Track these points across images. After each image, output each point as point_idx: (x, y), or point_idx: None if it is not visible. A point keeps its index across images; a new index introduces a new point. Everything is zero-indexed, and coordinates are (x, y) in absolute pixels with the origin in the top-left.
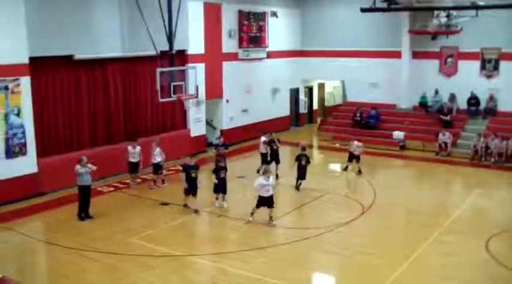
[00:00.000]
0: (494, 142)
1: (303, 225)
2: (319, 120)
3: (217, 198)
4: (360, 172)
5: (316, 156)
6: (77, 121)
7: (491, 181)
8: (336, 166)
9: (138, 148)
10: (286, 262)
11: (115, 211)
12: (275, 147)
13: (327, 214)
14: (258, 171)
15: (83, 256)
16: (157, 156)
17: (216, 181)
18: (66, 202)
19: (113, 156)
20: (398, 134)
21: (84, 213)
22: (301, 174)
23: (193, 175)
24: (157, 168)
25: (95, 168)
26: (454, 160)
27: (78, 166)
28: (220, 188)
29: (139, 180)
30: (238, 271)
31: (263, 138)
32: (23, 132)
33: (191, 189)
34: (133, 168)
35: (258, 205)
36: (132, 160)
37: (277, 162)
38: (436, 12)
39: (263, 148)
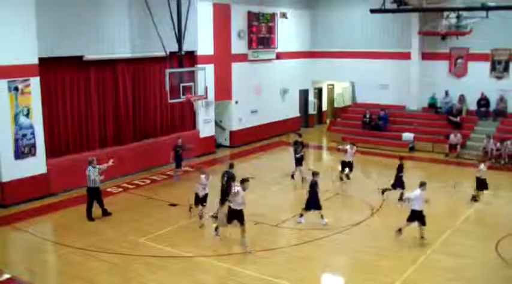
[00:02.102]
0: (505, 144)
1: (312, 226)
2: (328, 121)
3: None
4: (348, 177)
5: (325, 157)
6: (86, 122)
7: (502, 183)
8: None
9: (211, 178)
10: (296, 262)
11: (124, 212)
12: (298, 149)
13: (337, 215)
14: (341, 178)
15: (93, 257)
16: (205, 187)
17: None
18: (75, 203)
19: (122, 156)
20: (407, 135)
21: (102, 211)
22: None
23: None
24: (202, 199)
25: (106, 166)
26: (463, 162)
27: (90, 168)
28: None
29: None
30: (247, 271)
31: (347, 146)
32: (32, 133)
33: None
34: (201, 200)
35: None
36: (201, 192)
37: (301, 164)
38: (445, 13)
39: (349, 157)
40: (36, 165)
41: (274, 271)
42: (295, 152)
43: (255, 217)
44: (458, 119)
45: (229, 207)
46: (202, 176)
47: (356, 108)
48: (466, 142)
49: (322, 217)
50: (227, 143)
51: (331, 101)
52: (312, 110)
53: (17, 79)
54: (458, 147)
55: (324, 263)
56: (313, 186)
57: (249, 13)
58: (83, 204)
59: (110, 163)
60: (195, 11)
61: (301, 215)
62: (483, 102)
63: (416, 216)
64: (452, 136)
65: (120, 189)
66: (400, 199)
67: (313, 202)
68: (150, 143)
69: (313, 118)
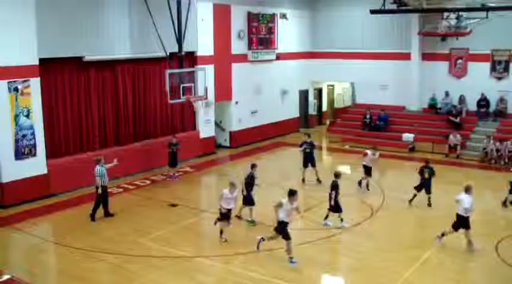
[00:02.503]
0: (505, 144)
1: (313, 227)
2: (328, 121)
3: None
4: (363, 184)
5: (325, 157)
6: (86, 123)
7: (502, 183)
8: (346, 168)
9: (236, 192)
10: (297, 263)
11: (125, 212)
12: (308, 150)
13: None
14: (359, 183)
15: (93, 257)
16: (231, 201)
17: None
18: (76, 203)
19: (122, 157)
20: (407, 136)
21: (104, 212)
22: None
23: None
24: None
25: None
26: (463, 163)
27: (98, 167)
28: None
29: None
30: (248, 272)
31: (369, 152)
32: (33, 134)
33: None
34: (226, 215)
35: None
36: (226, 206)
37: (314, 165)
38: (445, 14)
39: (369, 162)
40: (37, 165)
41: (275, 271)
42: (305, 153)
43: (255, 217)
44: (458, 120)
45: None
46: (225, 190)
47: (356, 109)
48: (466, 143)
49: (341, 220)
50: (227, 144)
51: (331, 102)
52: (312, 111)
53: (17, 80)
54: (458, 147)
55: (325, 264)
56: (335, 188)
57: (249, 13)
58: (83, 204)
59: (115, 162)
60: (195, 11)
61: (326, 216)
62: (483, 102)
63: (462, 221)
64: (452, 136)
65: (120, 190)
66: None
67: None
68: (150, 144)
69: (313, 119)
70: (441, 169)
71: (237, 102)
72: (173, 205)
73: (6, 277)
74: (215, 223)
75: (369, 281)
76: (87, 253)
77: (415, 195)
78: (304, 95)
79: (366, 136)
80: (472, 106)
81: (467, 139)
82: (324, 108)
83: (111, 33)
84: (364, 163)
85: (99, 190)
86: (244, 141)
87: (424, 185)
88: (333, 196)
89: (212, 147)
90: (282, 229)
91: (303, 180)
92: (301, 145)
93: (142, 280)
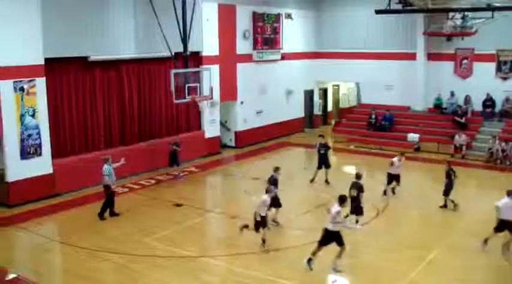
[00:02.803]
0: (511, 144)
1: (317, 227)
2: (333, 121)
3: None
4: (393, 192)
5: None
6: (91, 122)
7: (507, 183)
8: (351, 169)
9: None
10: (302, 263)
11: (130, 212)
12: (322, 151)
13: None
14: (384, 193)
15: (98, 257)
16: (266, 208)
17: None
18: (81, 203)
19: (127, 157)
20: (413, 136)
21: (110, 212)
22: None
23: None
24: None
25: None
26: (469, 163)
27: (106, 166)
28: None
29: None
30: (251, 272)
31: (395, 159)
32: (38, 133)
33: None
34: (261, 222)
35: None
36: (263, 213)
37: (328, 166)
38: (451, 14)
39: (397, 169)
40: (42, 165)
41: (279, 271)
42: (319, 155)
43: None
44: (463, 120)
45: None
46: (265, 196)
47: (361, 109)
48: (472, 143)
49: (357, 221)
50: (232, 144)
51: (336, 102)
52: (317, 111)
53: (22, 79)
54: (464, 147)
55: (329, 264)
56: (361, 189)
57: (254, 13)
58: (88, 203)
59: (122, 161)
60: (200, 11)
61: (357, 221)
62: (489, 102)
63: (506, 226)
64: (457, 137)
65: (125, 189)
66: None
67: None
68: (155, 143)
69: (318, 119)
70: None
71: (242, 102)
72: (178, 205)
73: (12, 276)
74: (241, 230)
75: (374, 282)
76: (92, 253)
77: (446, 201)
78: (309, 95)
79: (371, 136)
80: (477, 106)
81: (472, 140)
82: (329, 108)
83: (116, 33)
84: (390, 171)
85: (113, 187)
86: (249, 141)
87: (448, 188)
88: (361, 198)
89: (217, 147)
90: (337, 237)
91: (312, 180)
92: (316, 147)
93: (147, 279)
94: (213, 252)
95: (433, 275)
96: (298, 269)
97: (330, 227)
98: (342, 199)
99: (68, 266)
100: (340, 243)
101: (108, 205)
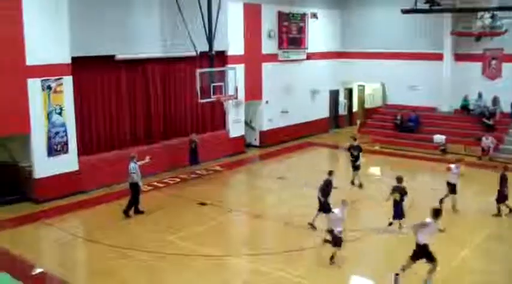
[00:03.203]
0: None
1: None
2: (358, 122)
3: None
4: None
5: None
6: (117, 121)
7: None
8: (375, 169)
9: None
10: (324, 264)
11: (154, 210)
12: (355, 153)
13: (366, 217)
14: (440, 201)
15: (122, 254)
16: (341, 222)
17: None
18: (106, 200)
19: (152, 155)
20: (439, 137)
21: (135, 209)
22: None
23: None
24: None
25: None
26: (496, 165)
27: (133, 164)
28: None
29: None
30: (275, 272)
31: (453, 166)
32: (65, 131)
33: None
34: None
35: None
36: (339, 228)
37: (355, 169)
38: (480, 13)
39: (453, 177)
40: (68, 162)
41: (303, 272)
42: (352, 156)
43: (284, 217)
44: (491, 122)
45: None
46: (337, 210)
47: (387, 110)
48: (500, 145)
49: (400, 226)
50: (257, 143)
51: (361, 102)
52: (342, 111)
53: (50, 78)
54: (491, 149)
55: (352, 265)
56: (404, 193)
57: (280, 13)
58: (113, 201)
59: (147, 160)
60: (225, 11)
61: (400, 225)
62: None
63: None
64: (484, 139)
65: (150, 188)
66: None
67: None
68: (180, 142)
69: (344, 119)
70: (473, 172)
71: (267, 102)
72: (202, 204)
73: (38, 270)
74: (323, 243)
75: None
76: (117, 250)
77: (499, 208)
78: (334, 95)
79: (396, 137)
80: (506, 108)
81: (501, 142)
82: (355, 108)
83: (143, 32)
84: (449, 179)
85: (141, 185)
86: (274, 141)
87: (502, 195)
88: (404, 201)
89: (242, 146)
90: (426, 252)
91: (352, 182)
92: (348, 149)
93: (171, 277)
94: (237, 251)
95: (460, 278)
96: (322, 270)
97: (423, 240)
98: (435, 212)
99: (92, 263)
100: (431, 259)
101: (134, 203)
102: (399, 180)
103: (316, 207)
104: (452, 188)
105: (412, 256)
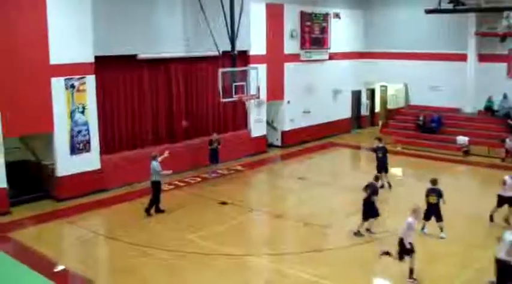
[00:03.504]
0: None
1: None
2: (380, 122)
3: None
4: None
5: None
6: (139, 120)
7: None
8: (397, 170)
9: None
10: (346, 265)
11: (175, 209)
12: (380, 154)
13: (388, 218)
14: (490, 218)
15: (142, 252)
16: (411, 234)
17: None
18: (127, 199)
19: (174, 154)
20: (462, 139)
21: (156, 208)
22: None
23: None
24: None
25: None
26: None
27: (155, 163)
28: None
29: None
30: (296, 272)
31: (507, 177)
32: (87, 130)
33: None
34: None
35: None
36: (410, 240)
37: (386, 171)
38: (505, 13)
39: (505, 190)
40: (90, 160)
41: (323, 272)
42: (377, 158)
43: (305, 217)
44: None
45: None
46: (410, 219)
47: (409, 110)
48: None
49: (441, 229)
50: (278, 143)
51: (384, 102)
52: (364, 111)
53: (73, 77)
54: None
55: (373, 266)
56: (440, 195)
57: (302, 13)
58: (135, 199)
59: (166, 154)
60: (248, 11)
61: (442, 229)
62: None
63: None
64: (508, 140)
65: (171, 187)
66: None
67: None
68: (201, 142)
69: (365, 120)
70: (497, 173)
71: (288, 102)
72: (223, 203)
73: (60, 267)
74: (381, 255)
75: None
76: (138, 248)
77: None
78: (356, 95)
79: (418, 138)
80: None
81: None
82: (377, 108)
83: (165, 31)
84: (501, 193)
85: (162, 183)
86: (295, 141)
87: None
88: (442, 203)
89: (263, 146)
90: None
91: (382, 186)
92: (374, 150)
93: (190, 276)
94: (257, 251)
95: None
96: (343, 270)
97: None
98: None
99: (113, 261)
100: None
101: (154, 202)
102: (434, 182)
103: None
104: (509, 202)
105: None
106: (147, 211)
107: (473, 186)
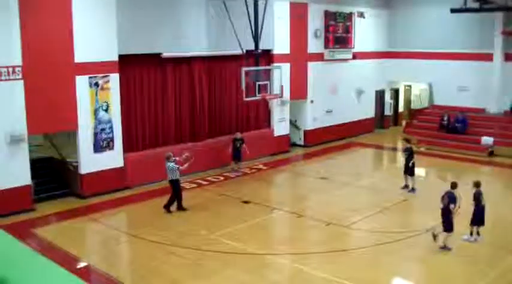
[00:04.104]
0: None
1: (385, 229)
2: (404, 122)
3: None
4: None
5: (400, 159)
6: (162, 118)
7: None
8: (420, 171)
9: None
10: (367, 265)
11: (197, 208)
12: (405, 156)
13: (411, 218)
14: None
15: (165, 250)
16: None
17: None
18: (150, 197)
19: (197, 153)
20: (487, 139)
21: (178, 206)
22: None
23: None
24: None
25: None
26: None
27: (170, 164)
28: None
29: None
30: (317, 272)
31: None
32: (111, 127)
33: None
34: None
35: None
36: None
37: (406, 172)
38: None
39: None
40: (113, 158)
41: (345, 272)
42: (406, 160)
43: (327, 217)
44: None
45: None
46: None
47: (433, 110)
48: None
49: (478, 233)
50: (301, 142)
51: (407, 102)
52: (388, 111)
53: (97, 75)
54: None
55: (394, 267)
56: (478, 198)
57: (326, 12)
58: (157, 197)
59: (184, 156)
60: (271, 10)
61: (471, 233)
62: None
63: None
64: None
65: (194, 185)
66: None
67: (477, 217)
68: (224, 140)
69: (389, 120)
70: None
71: (312, 101)
72: (245, 202)
73: (83, 264)
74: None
75: None
76: (161, 246)
77: None
78: (380, 95)
79: (442, 138)
80: None
81: None
82: (400, 108)
83: (189, 30)
84: None
85: (180, 181)
86: (318, 140)
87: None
88: (483, 208)
89: (286, 145)
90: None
91: (406, 186)
92: (404, 151)
93: (213, 274)
94: (279, 250)
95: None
96: (364, 271)
97: None
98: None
99: (136, 258)
100: None
101: (176, 199)
102: (478, 184)
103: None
104: None
105: None
106: (166, 207)
107: (496, 187)
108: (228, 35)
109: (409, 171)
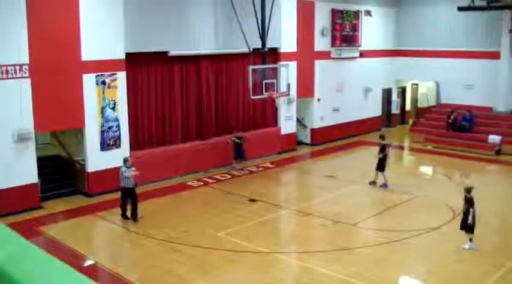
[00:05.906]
0: None
1: (391, 228)
2: (411, 121)
3: None
4: None
5: (406, 157)
6: (169, 116)
7: None
8: (427, 169)
9: None
10: (373, 264)
11: (204, 206)
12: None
13: (417, 217)
14: None
15: (172, 248)
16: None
17: None
18: (157, 195)
19: (204, 151)
20: (494, 138)
21: (132, 215)
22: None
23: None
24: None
25: (137, 173)
26: None
27: (124, 169)
28: None
29: None
30: (323, 270)
31: None
32: (118, 126)
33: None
34: None
35: None
36: None
37: (378, 168)
38: None
39: None
40: (120, 156)
41: (351, 271)
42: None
43: (334, 216)
44: None
45: None
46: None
47: (440, 109)
48: None
49: (470, 240)
50: (308, 141)
51: (414, 101)
52: (395, 110)
53: (104, 73)
54: None
55: (400, 266)
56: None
57: (333, 10)
58: (164, 196)
59: (137, 173)
60: (278, 8)
61: (471, 240)
62: None
63: None
64: None
65: (200, 183)
66: None
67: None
68: (231, 138)
69: (396, 118)
70: None
71: (319, 99)
72: (252, 200)
73: (90, 262)
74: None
75: None
76: (167, 244)
77: None
78: (387, 94)
79: (449, 136)
80: None
81: None
82: (407, 107)
83: (196, 28)
84: None
85: (134, 192)
86: (325, 139)
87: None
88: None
89: (293, 143)
90: None
91: (374, 183)
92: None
93: (219, 272)
94: (286, 249)
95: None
96: (370, 269)
97: None
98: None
99: (143, 256)
100: None
101: (132, 206)
102: (468, 190)
103: None
104: None
105: None
106: (133, 216)
107: (503, 186)
108: (235, 33)
109: (378, 166)
